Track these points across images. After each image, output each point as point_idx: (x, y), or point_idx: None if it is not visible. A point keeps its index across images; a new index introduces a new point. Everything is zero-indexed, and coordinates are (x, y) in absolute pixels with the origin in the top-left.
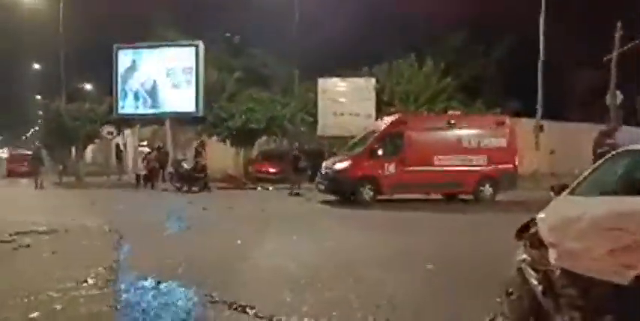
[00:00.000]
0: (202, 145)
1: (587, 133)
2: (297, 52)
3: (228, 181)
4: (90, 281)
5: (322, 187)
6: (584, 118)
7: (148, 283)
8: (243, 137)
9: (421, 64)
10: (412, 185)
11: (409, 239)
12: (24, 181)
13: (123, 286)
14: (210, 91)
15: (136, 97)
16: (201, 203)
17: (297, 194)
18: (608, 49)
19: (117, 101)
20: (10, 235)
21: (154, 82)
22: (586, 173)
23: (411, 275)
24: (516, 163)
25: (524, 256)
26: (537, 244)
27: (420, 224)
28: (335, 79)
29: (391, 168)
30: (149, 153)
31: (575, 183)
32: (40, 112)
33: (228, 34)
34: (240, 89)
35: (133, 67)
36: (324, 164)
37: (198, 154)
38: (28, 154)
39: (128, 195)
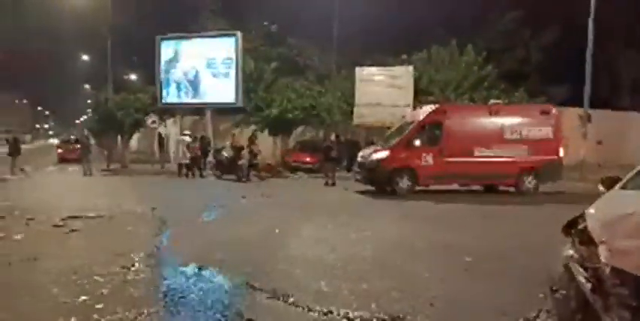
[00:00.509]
0: (255, 134)
1: (636, 122)
2: (335, 40)
3: (266, 170)
4: (135, 266)
5: (359, 177)
6: (635, 106)
7: (190, 269)
8: (280, 127)
9: (462, 50)
10: (451, 176)
11: (447, 230)
12: (73, 167)
13: (166, 272)
14: (247, 81)
15: (179, 87)
16: (239, 191)
17: (333, 184)
18: None
19: (160, 91)
20: (62, 219)
21: (196, 72)
22: None
23: (449, 267)
24: (561, 153)
25: (572, 252)
26: (586, 240)
27: (458, 216)
28: (372, 69)
29: (429, 158)
30: (193, 141)
31: (628, 176)
32: (89, 101)
33: (266, 23)
34: (278, 79)
35: (175, 58)
36: (360, 154)
37: (251, 142)
38: (77, 142)
39: (170, 183)
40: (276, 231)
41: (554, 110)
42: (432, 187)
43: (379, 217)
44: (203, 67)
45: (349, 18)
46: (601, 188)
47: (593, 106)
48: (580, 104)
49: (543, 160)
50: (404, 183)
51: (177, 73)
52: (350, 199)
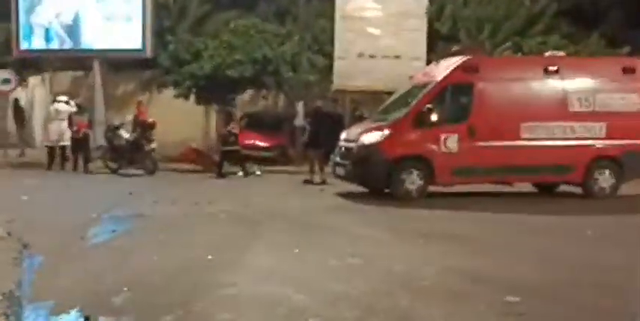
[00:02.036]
0: (233, 105)
1: None
2: None
3: (192, 160)
4: None
5: (341, 171)
6: None
7: (72, 318)
8: (215, 91)
9: None
10: (484, 170)
11: (477, 256)
12: None
13: None
14: (163, 18)
15: (48, 36)
16: (149, 193)
17: (323, 182)
18: None
19: (17, 39)
20: None
21: (77, 14)
22: None
23: (482, 313)
24: None
25: None
26: None
27: (494, 233)
28: None
29: (452, 142)
30: (80, 112)
31: None
32: None
33: None
34: (212, 13)
35: None
36: (343, 136)
37: (229, 118)
38: None
39: (36, 180)
40: (209, 257)
41: None
42: (456, 188)
43: (372, 235)
44: (90, 3)
45: None
46: None
47: None
48: None
49: (627, 146)
50: (412, 181)
51: (45, 14)
52: (328, 206)
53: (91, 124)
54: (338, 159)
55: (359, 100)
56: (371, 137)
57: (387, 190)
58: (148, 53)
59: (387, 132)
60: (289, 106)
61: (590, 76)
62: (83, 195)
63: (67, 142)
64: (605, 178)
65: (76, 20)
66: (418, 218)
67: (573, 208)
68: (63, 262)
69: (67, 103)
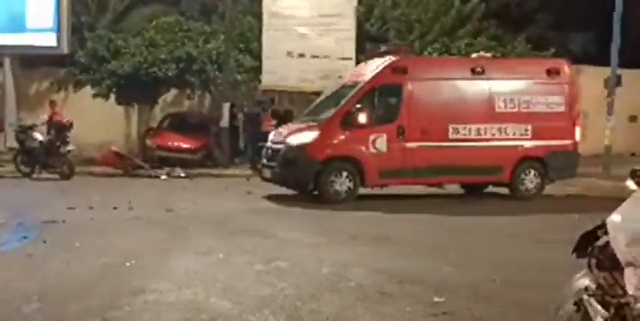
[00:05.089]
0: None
1: None
2: None
3: (112, 163)
4: None
5: (268, 173)
6: None
7: None
8: (137, 90)
9: None
10: (414, 171)
11: (405, 257)
12: None
13: None
14: (80, 12)
15: None
16: (65, 198)
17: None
18: None
19: None
20: None
21: None
22: None
23: (410, 314)
24: (577, 136)
25: (588, 281)
26: (608, 263)
27: (421, 234)
28: None
29: (381, 143)
30: None
31: None
32: None
33: None
34: (133, 8)
35: None
36: (271, 137)
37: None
38: None
39: None
40: (127, 264)
41: (567, 68)
42: (385, 190)
43: (300, 238)
44: None
45: None
46: (631, 185)
47: (625, 64)
48: (606, 62)
49: (552, 146)
50: (341, 183)
51: None
52: (254, 209)
53: (1, 125)
54: (265, 161)
55: (287, 100)
56: (299, 138)
57: (315, 193)
58: (64, 50)
59: (315, 133)
60: (215, 107)
61: (515, 77)
62: None
63: None
64: (530, 179)
65: None
66: (346, 220)
67: (500, 209)
68: None
69: None
